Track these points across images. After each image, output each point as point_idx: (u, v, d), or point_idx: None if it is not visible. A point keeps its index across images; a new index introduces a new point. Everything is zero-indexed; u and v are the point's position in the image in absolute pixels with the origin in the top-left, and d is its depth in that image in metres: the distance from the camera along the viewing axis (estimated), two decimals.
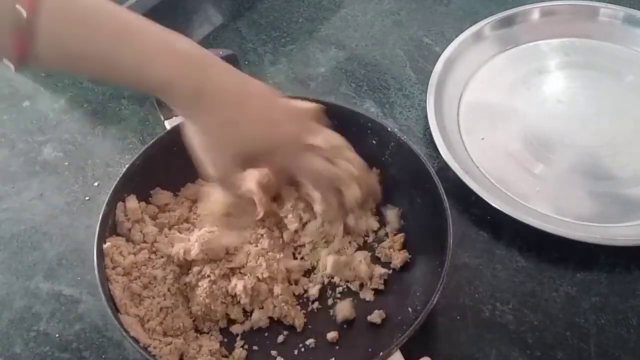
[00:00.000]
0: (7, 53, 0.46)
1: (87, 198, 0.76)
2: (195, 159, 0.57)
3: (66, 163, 0.79)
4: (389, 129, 0.70)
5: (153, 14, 0.87)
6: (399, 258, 0.67)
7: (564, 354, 0.63)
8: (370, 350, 0.61)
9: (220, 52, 0.80)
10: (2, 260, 0.71)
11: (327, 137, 0.60)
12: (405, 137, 0.69)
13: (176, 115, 0.77)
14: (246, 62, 0.90)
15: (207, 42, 0.93)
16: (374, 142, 0.71)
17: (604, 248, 0.69)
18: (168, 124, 0.77)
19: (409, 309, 0.62)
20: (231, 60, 0.80)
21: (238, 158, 0.56)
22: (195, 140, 0.55)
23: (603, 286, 0.68)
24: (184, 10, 0.97)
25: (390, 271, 0.67)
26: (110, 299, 0.59)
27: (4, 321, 0.66)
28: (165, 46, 0.51)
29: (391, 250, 0.68)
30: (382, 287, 0.66)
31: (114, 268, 0.62)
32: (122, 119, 0.83)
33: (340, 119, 0.72)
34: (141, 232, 0.66)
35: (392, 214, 0.71)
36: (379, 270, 0.67)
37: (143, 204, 0.67)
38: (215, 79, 0.53)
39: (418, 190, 0.68)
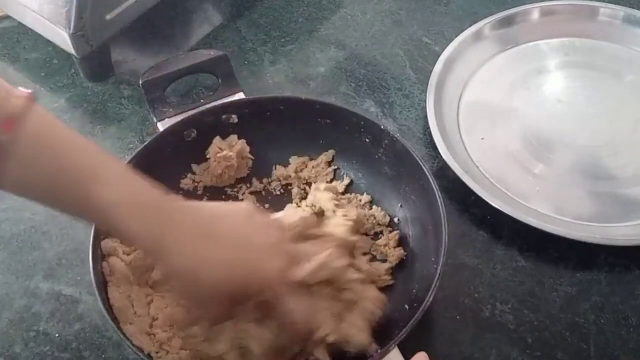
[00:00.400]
0: None
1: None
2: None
3: None
4: (382, 127, 0.70)
5: (153, 14, 0.88)
6: (394, 255, 0.67)
7: (564, 354, 0.63)
8: None
9: (212, 53, 0.81)
10: (2, 260, 0.71)
11: (317, 267, 0.55)
12: (398, 134, 0.69)
13: (169, 117, 0.78)
14: (246, 62, 0.90)
15: (207, 42, 0.93)
16: (367, 140, 0.71)
17: (604, 248, 0.69)
18: (161, 126, 0.77)
19: (406, 307, 0.62)
20: (222, 61, 0.80)
21: (221, 301, 0.53)
22: (174, 286, 0.54)
23: (603, 286, 0.68)
24: (184, 10, 0.97)
25: (393, 265, 0.67)
26: (107, 302, 0.59)
27: (4, 321, 0.66)
28: (131, 197, 0.49)
29: (387, 247, 0.68)
30: (392, 282, 0.66)
31: (111, 274, 0.62)
32: (122, 119, 0.83)
33: (333, 118, 0.73)
34: None
35: (386, 212, 0.71)
36: (383, 266, 0.66)
37: None
38: (177, 220, 0.50)
39: (412, 188, 0.68)
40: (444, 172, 0.75)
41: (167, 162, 0.69)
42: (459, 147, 0.79)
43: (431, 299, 0.57)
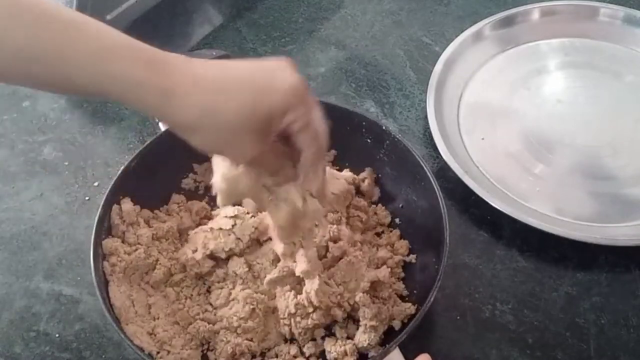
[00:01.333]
0: None
1: (87, 198, 0.76)
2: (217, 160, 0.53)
3: (66, 163, 0.79)
4: (383, 127, 0.70)
5: (153, 14, 0.88)
6: (402, 247, 0.67)
7: (564, 354, 0.63)
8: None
9: (214, 53, 0.81)
10: (2, 260, 0.71)
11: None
12: (399, 135, 0.69)
13: None
14: None
15: (207, 42, 0.93)
16: (369, 140, 0.71)
17: (604, 248, 0.69)
18: (162, 126, 0.77)
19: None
20: None
21: (253, 131, 0.48)
22: (199, 137, 0.49)
23: (603, 286, 0.68)
24: (184, 10, 0.97)
25: (406, 257, 0.67)
26: (108, 301, 0.59)
27: (4, 321, 0.66)
28: (126, 44, 0.46)
29: (388, 247, 0.68)
30: (402, 274, 0.66)
31: (112, 274, 0.62)
32: (122, 119, 0.83)
33: (334, 118, 0.72)
34: (135, 234, 0.65)
35: (387, 212, 0.71)
36: (394, 258, 0.66)
37: (137, 207, 0.67)
38: (183, 67, 0.48)
39: (414, 188, 0.68)
40: (444, 172, 0.75)
41: (169, 161, 0.69)
42: (459, 147, 0.79)
43: (432, 299, 0.57)
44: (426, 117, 0.80)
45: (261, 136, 0.49)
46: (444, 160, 0.75)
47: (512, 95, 0.85)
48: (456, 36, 0.89)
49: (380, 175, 0.72)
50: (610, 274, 0.69)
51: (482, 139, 0.81)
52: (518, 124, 0.82)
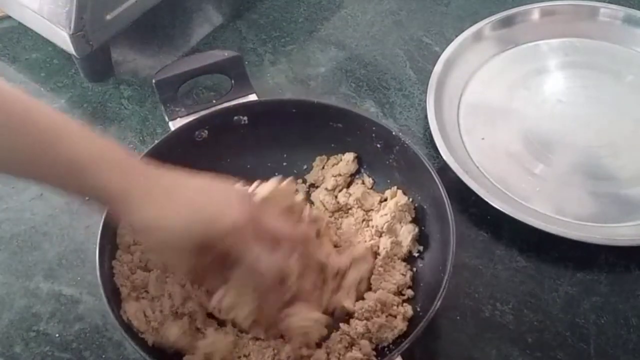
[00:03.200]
0: None
1: (87, 198, 0.75)
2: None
3: None
4: (393, 133, 0.69)
5: (153, 14, 0.88)
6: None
7: (564, 354, 0.63)
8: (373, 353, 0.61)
9: (225, 54, 0.81)
10: (2, 260, 0.71)
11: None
12: (409, 141, 0.68)
13: (180, 117, 0.78)
14: (246, 62, 0.89)
15: (207, 42, 0.93)
16: (379, 145, 0.71)
17: (604, 248, 0.69)
18: (172, 125, 0.77)
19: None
20: (236, 61, 0.80)
21: (186, 252, 0.53)
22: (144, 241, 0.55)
23: (603, 286, 0.68)
24: (184, 10, 0.97)
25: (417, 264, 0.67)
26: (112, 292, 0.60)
27: (4, 321, 0.66)
28: (97, 157, 0.50)
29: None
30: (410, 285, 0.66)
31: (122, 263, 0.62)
32: (122, 119, 0.83)
33: (344, 122, 0.72)
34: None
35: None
36: (403, 269, 0.66)
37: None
38: (143, 176, 0.52)
39: (422, 195, 0.68)
40: (444, 172, 0.75)
41: (177, 161, 0.69)
42: (459, 147, 0.79)
43: (437, 308, 0.57)
44: (426, 117, 0.80)
45: (197, 255, 0.53)
46: (444, 160, 0.75)
47: (512, 95, 0.85)
48: (456, 36, 0.89)
49: (389, 181, 0.72)
50: (610, 274, 0.69)
51: (482, 139, 0.81)
52: (518, 124, 0.82)
